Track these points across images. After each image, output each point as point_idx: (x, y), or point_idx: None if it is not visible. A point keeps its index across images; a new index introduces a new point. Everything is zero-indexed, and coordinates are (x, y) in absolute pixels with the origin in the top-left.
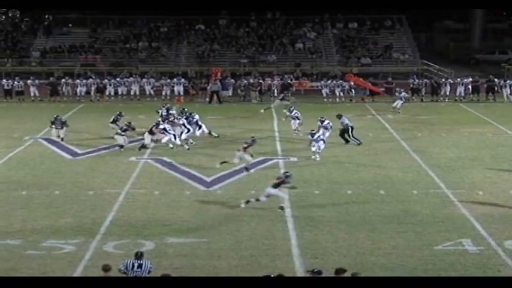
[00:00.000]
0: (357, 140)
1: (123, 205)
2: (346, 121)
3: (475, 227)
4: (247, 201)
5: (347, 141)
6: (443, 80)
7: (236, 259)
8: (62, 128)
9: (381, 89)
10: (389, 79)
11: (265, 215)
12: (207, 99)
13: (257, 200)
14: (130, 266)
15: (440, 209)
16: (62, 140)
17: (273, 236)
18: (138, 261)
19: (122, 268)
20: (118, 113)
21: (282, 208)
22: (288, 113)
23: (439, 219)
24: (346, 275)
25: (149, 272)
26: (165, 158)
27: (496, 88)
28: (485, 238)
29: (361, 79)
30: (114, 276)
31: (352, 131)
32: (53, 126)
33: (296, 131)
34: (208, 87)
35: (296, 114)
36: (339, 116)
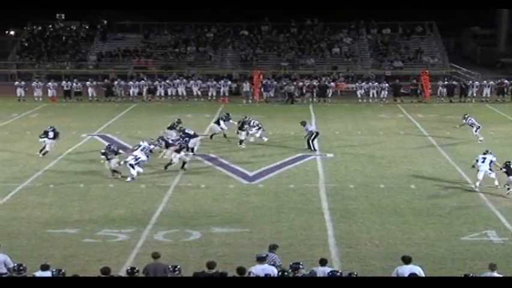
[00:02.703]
0: (314, 147)
1: (172, 197)
2: (310, 128)
3: (499, 219)
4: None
5: (310, 148)
6: (470, 82)
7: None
8: (54, 138)
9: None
10: (414, 81)
11: (304, 208)
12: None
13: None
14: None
15: (467, 202)
16: (44, 154)
17: (311, 227)
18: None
19: None
20: (177, 120)
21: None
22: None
23: (465, 211)
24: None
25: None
26: (211, 154)
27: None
28: (509, 229)
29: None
30: (116, 276)
31: (315, 137)
32: (45, 137)
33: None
34: (285, 89)
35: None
36: (303, 123)
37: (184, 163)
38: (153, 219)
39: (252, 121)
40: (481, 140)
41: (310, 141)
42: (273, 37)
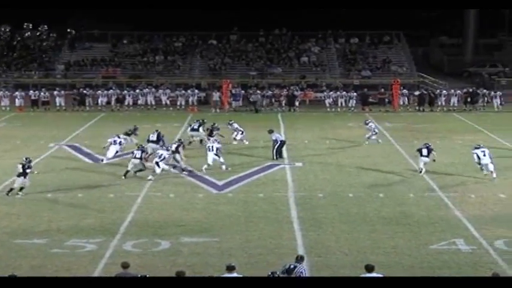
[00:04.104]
0: (278, 155)
1: (141, 207)
2: (275, 136)
3: (468, 227)
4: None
5: (273, 156)
6: (438, 91)
7: (245, 257)
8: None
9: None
10: (382, 90)
11: (273, 217)
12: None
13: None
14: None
15: (435, 210)
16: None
17: (280, 236)
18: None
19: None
20: (133, 127)
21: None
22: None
23: (434, 220)
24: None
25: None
26: (179, 164)
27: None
28: (477, 238)
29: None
30: (114, 276)
31: (281, 146)
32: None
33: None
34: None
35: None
36: (270, 131)
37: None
38: (121, 229)
39: (234, 124)
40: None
41: (274, 150)
42: (242, 46)
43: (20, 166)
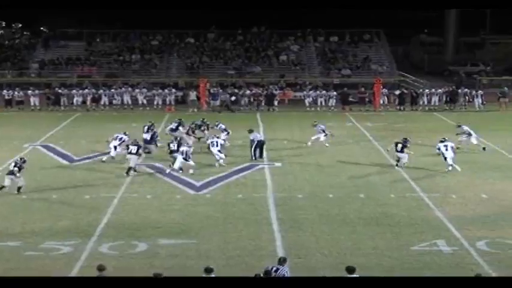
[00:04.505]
0: (259, 155)
1: (117, 208)
2: (253, 136)
3: (449, 228)
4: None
5: (252, 157)
6: (420, 90)
7: (224, 259)
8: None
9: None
10: (362, 89)
11: (252, 218)
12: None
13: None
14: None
15: (416, 211)
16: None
17: (259, 237)
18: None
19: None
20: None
21: None
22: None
23: (415, 221)
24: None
25: None
26: (157, 164)
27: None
28: (458, 239)
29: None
30: (109, 276)
31: (258, 146)
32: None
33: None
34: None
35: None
36: (250, 131)
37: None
38: (97, 231)
39: (221, 125)
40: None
41: (252, 150)
42: (220, 45)
43: (13, 164)
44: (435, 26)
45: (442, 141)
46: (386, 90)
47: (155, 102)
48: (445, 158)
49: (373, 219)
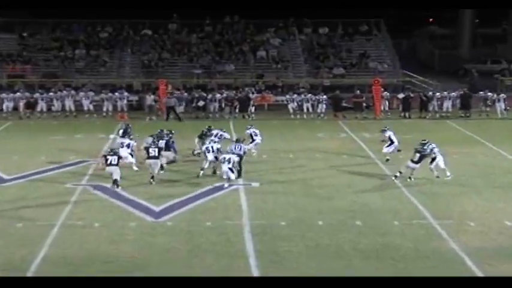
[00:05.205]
0: (237, 173)
1: (57, 239)
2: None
3: (466, 263)
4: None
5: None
6: (430, 93)
7: None
8: None
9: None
10: (358, 92)
11: (223, 251)
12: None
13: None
14: None
15: (425, 242)
16: None
17: (232, 274)
18: None
19: None
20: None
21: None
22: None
23: (424, 254)
24: None
25: None
26: (106, 184)
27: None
28: (475, 274)
29: None
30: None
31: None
32: None
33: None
34: (163, 102)
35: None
36: (237, 140)
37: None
38: (32, 267)
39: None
40: None
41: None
42: (183, 38)
43: None
44: (447, 15)
45: (424, 142)
46: (388, 94)
47: (104, 109)
48: (433, 160)
49: (373, 252)
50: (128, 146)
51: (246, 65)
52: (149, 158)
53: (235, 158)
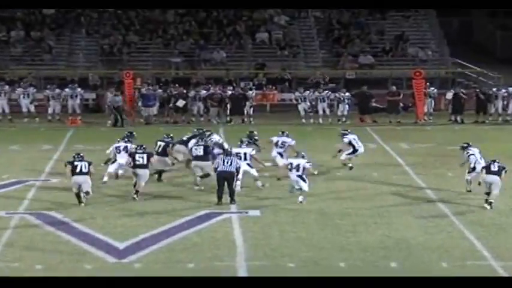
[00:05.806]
0: (230, 196)
1: None
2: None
3: None
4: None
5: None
6: (493, 89)
7: None
8: None
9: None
10: (394, 88)
11: None
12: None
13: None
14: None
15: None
16: None
17: None
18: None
19: None
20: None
21: None
22: None
23: None
24: None
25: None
26: (52, 213)
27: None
28: None
29: None
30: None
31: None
32: None
33: None
34: (108, 101)
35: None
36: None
37: None
38: None
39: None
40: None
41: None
42: (157, 15)
43: None
44: None
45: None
46: (434, 90)
47: (50, 110)
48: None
49: None
50: (126, 150)
51: (241, 51)
52: (135, 166)
53: (307, 165)
